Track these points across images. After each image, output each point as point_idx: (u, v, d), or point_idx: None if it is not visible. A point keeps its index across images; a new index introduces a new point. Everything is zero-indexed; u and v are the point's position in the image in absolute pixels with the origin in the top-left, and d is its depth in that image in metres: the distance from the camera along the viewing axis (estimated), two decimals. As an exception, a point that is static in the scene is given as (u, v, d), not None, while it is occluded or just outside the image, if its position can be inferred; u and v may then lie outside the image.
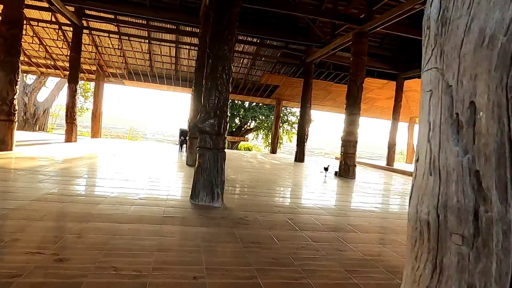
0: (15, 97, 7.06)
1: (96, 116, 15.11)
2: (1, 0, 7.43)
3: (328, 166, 8.99)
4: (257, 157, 13.89)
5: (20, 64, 7.18)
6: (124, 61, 15.06)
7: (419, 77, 13.30)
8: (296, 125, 24.60)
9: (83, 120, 24.02)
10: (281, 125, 19.48)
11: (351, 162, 8.57)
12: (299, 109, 13.59)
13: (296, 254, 2.57)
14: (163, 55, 14.67)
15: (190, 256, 2.30)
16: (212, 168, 3.82)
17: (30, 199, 3.41)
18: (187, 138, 11.06)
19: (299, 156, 12.69)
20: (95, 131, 15.17)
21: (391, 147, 13.85)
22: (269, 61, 15.00)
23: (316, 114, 20.67)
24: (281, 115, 19.24)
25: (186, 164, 7.79)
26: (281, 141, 24.35)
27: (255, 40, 13.07)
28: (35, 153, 7.32)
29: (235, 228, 3.09)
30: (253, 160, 11.74)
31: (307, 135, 12.88)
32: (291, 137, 25.50)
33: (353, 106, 8.51)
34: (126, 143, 14.81)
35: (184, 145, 11.66)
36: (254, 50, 13.89)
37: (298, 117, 13.70)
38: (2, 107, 6.92)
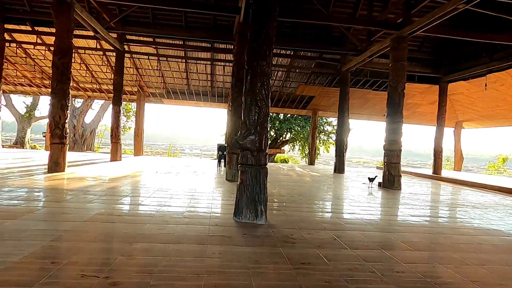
0: (66, 121, 7.54)
1: (138, 135, 15.78)
2: (53, 32, 8.02)
3: (376, 176, 8.59)
4: (295, 169, 13.71)
5: (70, 90, 7.67)
6: (162, 81, 15.68)
7: (465, 79, 12.57)
8: (333, 135, 24.15)
9: (126, 138, 25.22)
10: (317, 135, 19.18)
11: (396, 172, 8.18)
12: (336, 118, 13.33)
13: (350, 276, 2.42)
14: (199, 73, 15.09)
15: (239, 279, 2.24)
16: (254, 185, 3.77)
17: (83, 220, 3.55)
18: (225, 153, 11.20)
19: (339, 167, 12.35)
20: (138, 149, 15.81)
21: (438, 154, 13.09)
22: (304, 72, 14.92)
23: (353, 122, 20.14)
24: (317, 125, 18.94)
25: (226, 179, 7.83)
26: (318, 151, 23.95)
27: (288, 52, 13.09)
28: (84, 173, 7.72)
29: (282, 247, 3.00)
30: (292, 173, 11.59)
31: (346, 145, 12.54)
32: (328, 147, 25.01)
33: (395, 113, 8.16)
34: (166, 159, 15.26)
35: (223, 160, 11.78)
36: (288, 62, 13.89)
37: (335, 127, 13.40)
38: (55, 131, 7.40)
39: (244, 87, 3.94)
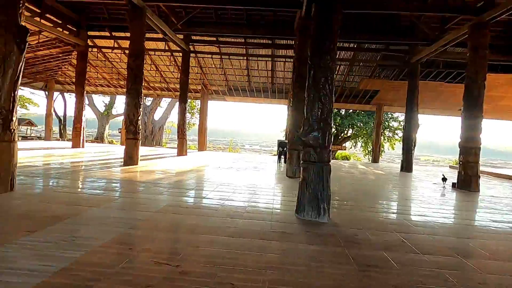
0: (139, 118, 8.16)
1: (202, 131, 16.50)
2: (128, 36, 8.72)
3: (444, 176, 7.93)
4: (357, 166, 13.20)
5: (142, 89, 8.28)
6: (225, 79, 16.16)
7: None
8: (399, 131, 22.75)
9: (190, 134, 26.54)
10: (382, 131, 18.21)
11: (473, 172, 7.42)
12: (403, 114, 12.51)
13: (422, 284, 2.26)
14: (260, 70, 15.25)
15: (301, 277, 2.23)
16: (317, 182, 3.71)
17: (154, 210, 3.81)
18: (285, 149, 11.20)
19: (406, 165, 11.60)
20: (201, 145, 16.55)
21: (525, 153, 11.58)
22: (368, 65, 14.25)
23: (422, 118, 18.67)
24: (382, 120, 17.91)
25: (286, 175, 7.83)
26: (382, 148, 22.74)
27: (351, 45, 12.59)
28: (154, 167, 8.30)
29: (346, 247, 2.91)
30: (354, 170, 11.18)
31: (414, 141, 11.72)
32: (394, 144, 23.63)
33: (473, 108, 7.40)
34: (227, 155, 15.75)
35: (283, 156, 11.80)
36: (351, 55, 13.37)
37: (403, 123, 12.57)
38: (129, 127, 8.07)
39: (307, 83, 3.89)
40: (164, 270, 2.17)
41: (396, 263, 2.60)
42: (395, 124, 23.41)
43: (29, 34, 4.33)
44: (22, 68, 4.27)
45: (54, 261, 2.21)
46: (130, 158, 8.03)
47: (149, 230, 3.07)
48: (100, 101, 27.27)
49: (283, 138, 16.28)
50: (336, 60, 3.88)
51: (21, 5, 4.22)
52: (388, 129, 23.38)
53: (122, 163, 8.22)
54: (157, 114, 24.88)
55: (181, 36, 11.94)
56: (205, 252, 2.57)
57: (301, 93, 7.28)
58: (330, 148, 3.79)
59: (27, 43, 4.28)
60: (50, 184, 5.43)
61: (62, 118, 23.87)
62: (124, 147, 8.35)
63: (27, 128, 22.58)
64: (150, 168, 8.01)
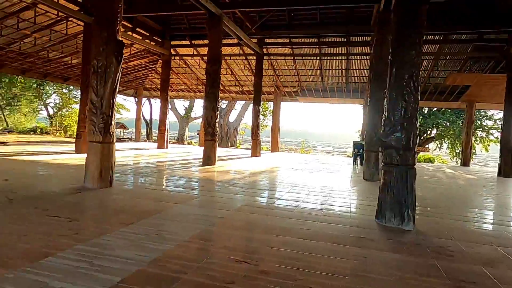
0: (216, 120, 8.57)
1: (274, 132, 16.67)
2: (206, 44, 9.23)
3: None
4: (444, 170, 12.00)
5: (219, 93, 8.68)
6: (297, 80, 16.10)
7: None
8: (494, 131, 20.13)
9: (262, 135, 27.01)
10: (473, 131, 16.20)
11: None
12: (500, 111, 11.01)
13: (534, 308, 1.94)
14: (334, 69, 14.85)
15: (385, 287, 2.09)
16: (400, 187, 3.45)
17: (232, 209, 3.95)
18: (361, 150, 10.71)
19: (505, 169, 10.18)
20: (274, 146, 16.72)
21: None
22: (456, 58, 12.88)
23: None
24: (474, 119, 15.95)
25: (363, 178, 7.47)
26: (473, 150, 20.32)
27: (437, 37, 11.51)
28: (229, 167, 8.63)
29: (436, 259, 2.65)
30: (440, 174, 10.19)
31: (515, 143, 10.21)
32: (488, 145, 20.98)
33: None
34: (299, 156, 15.65)
35: (358, 158, 11.30)
36: (436, 48, 12.23)
37: (500, 121, 11.06)
38: (208, 129, 8.52)
39: (388, 80, 3.65)
40: (244, 268, 2.23)
41: (500, 282, 2.29)
42: (490, 123, 20.76)
43: (124, 47, 4.85)
44: (119, 77, 4.80)
45: (146, 252, 2.43)
46: (209, 158, 8.47)
47: (228, 228, 3.19)
48: (181, 105, 29.41)
49: (358, 139, 15.61)
50: (421, 55, 3.57)
51: (118, 22, 4.75)
52: (481, 129, 20.82)
53: (201, 163, 8.72)
54: (232, 116, 25.90)
55: (255, 40, 12.23)
56: (283, 253, 2.57)
57: (378, 92, 6.89)
58: (415, 150, 3.51)
59: (123, 55, 4.79)
60: (141, 181, 6.00)
61: (148, 121, 26.36)
62: (202, 148, 8.85)
63: (120, 131, 25.34)
64: (226, 168, 8.35)
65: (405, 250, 2.83)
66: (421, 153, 22.23)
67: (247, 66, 15.63)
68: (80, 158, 8.13)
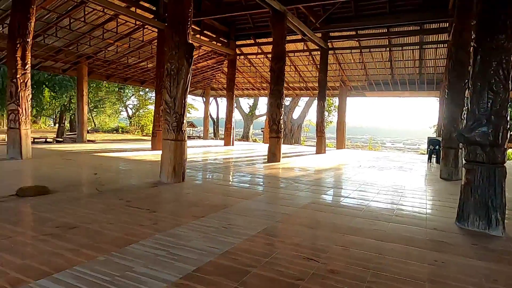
0: (281, 117, 8.60)
1: (340, 128, 16.18)
2: (270, 41, 9.30)
3: None
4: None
5: (284, 90, 8.69)
6: (365, 73, 15.39)
7: None
8: None
9: (327, 132, 26.37)
10: None
11: None
12: None
13: None
14: (405, 60, 13.88)
15: (473, 298, 1.90)
16: (486, 187, 3.11)
17: (298, 206, 3.94)
18: (437, 147, 9.85)
19: None
20: (340, 142, 16.24)
21: None
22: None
23: None
24: None
25: (440, 177, 6.87)
26: None
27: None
28: (294, 164, 8.60)
29: (533, 270, 2.33)
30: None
31: None
32: None
33: None
34: (367, 153, 14.97)
35: (434, 156, 10.44)
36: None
37: None
38: (272, 126, 8.60)
39: (471, 69, 3.30)
40: (312, 266, 2.21)
41: None
42: None
43: (194, 49, 5.12)
44: (190, 78, 5.07)
45: (217, 244, 2.54)
46: (273, 155, 8.54)
47: (294, 225, 3.19)
48: (246, 103, 30.04)
49: (434, 135, 14.40)
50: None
51: (189, 26, 5.03)
52: None
53: (266, 160, 8.83)
54: (296, 113, 25.74)
55: (319, 35, 11.98)
56: (352, 253, 2.48)
57: (458, 83, 6.29)
58: (505, 147, 3.12)
59: (193, 57, 5.06)
60: (210, 177, 6.29)
61: (215, 120, 27.51)
62: (267, 145, 8.96)
63: (190, 129, 26.86)
64: (290, 165, 8.34)
65: (494, 258, 2.54)
66: (510, 150, 19.70)
67: (311, 61, 15.39)
68: (155, 155, 8.80)
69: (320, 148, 12.60)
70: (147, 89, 27.87)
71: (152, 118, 12.26)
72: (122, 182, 5.19)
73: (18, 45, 6.86)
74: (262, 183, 5.77)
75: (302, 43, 13.67)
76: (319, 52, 12.85)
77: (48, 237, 2.55)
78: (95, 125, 31.21)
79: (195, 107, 32.06)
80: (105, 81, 19.46)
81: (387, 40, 12.66)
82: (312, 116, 41.69)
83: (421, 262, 2.37)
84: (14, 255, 2.20)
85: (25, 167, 6.31)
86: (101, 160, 7.87)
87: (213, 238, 2.68)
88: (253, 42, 14.23)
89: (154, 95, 13.34)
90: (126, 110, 34.32)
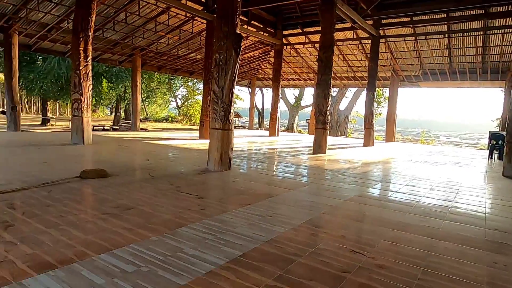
0: (328, 108, 8.42)
1: (390, 120, 15.47)
2: (318, 30, 9.08)
3: None
4: None
5: (331, 80, 8.48)
6: (419, 62, 14.48)
7: None
8: None
9: (375, 124, 25.33)
10: None
11: None
12: None
13: None
14: (466, 47, 12.80)
15: (538, 305, 1.75)
16: (559, 187, 2.81)
17: (344, 199, 3.86)
18: (500, 142, 9.04)
19: None
20: (389, 135, 15.54)
21: None
22: None
23: None
24: None
25: (503, 175, 6.32)
26: None
27: None
28: (340, 156, 8.40)
29: None
30: None
31: None
32: None
33: None
34: (419, 147, 14.17)
35: (496, 151, 9.61)
36: None
37: None
38: (319, 117, 8.45)
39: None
40: (359, 259, 2.16)
41: None
42: None
43: (242, 39, 5.16)
44: (237, 69, 5.14)
45: (262, 232, 2.58)
46: (319, 147, 8.42)
47: (339, 217, 3.14)
48: (291, 94, 29.78)
49: (496, 129, 13.24)
50: None
51: (237, 17, 5.07)
52: None
53: (311, 151, 8.72)
54: (342, 104, 25.02)
55: (370, 22, 11.44)
56: (402, 249, 2.39)
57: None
58: None
59: (241, 48, 5.11)
60: (255, 166, 6.36)
61: (260, 110, 27.65)
62: (312, 136, 8.84)
63: (236, 120, 27.31)
64: (336, 157, 8.16)
65: None
66: None
67: (361, 50, 14.79)
68: (202, 144, 9.09)
69: (368, 140, 12.16)
70: (195, 80, 28.74)
71: (200, 108, 12.63)
72: (172, 169, 5.44)
73: (81, 39, 7.39)
74: (306, 174, 5.73)
75: (352, 31, 13.16)
76: (369, 41, 12.30)
77: (107, 216, 2.76)
78: (146, 114, 32.90)
79: (241, 97, 32.43)
80: (156, 72, 20.35)
81: (446, 26, 11.75)
82: (360, 107, 40.24)
83: (479, 263, 2.22)
84: (79, 231, 2.41)
85: (86, 152, 6.85)
86: (153, 147, 8.30)
87: (258, 225, 2.73)
88: (300, 31, 13.96)
89: (202, 85, 13.74)
90: (176, 100, 35.74)
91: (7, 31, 10.18)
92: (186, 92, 33.46)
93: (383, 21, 11.89)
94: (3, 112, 13.48)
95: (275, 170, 5.96)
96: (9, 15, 9.81)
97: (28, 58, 17.17)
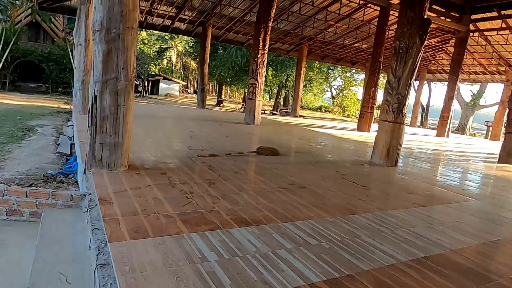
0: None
1: None
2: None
3: None
4: None
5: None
6: None
7: None
8: None
9: None
10: None
11: None
12: None
13: None
14: None
15: None
16: None
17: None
18: None
19: None
20: None
21: None
22: None
23: None
24: None
25: None
26: None
27: None
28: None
29: None
30: None
31: None
32: None
33: None
34: None
35: None
36: None
37: None
38: (513, 120, 6.90)
39: None
40: None
41: None
42: None
43: (430, 25, 4.65)
44: (420, 58, 4.68)
45: (445, 238, 2.31)
46: (508, 155, 6.91)
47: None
48: (467, 90, 25.37)
49: None
50: None
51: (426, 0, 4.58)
52: None
53: (495, 160, 7.26)
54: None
55: None
56: None
57: None
58: None
59: (427, 34, 4.61)
60: (422, 166, 5.76)
61: (425, 106, 24.61)
62: (491, 142, 7.31)
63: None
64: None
65: None
66: None
67: None
68: (361, 136, 8.79)
69: None
70: (353, 70, 27.83)
71: (355, 99, 12.21)
72: (333, 156, 5.50)
73: (261, 30, 8.19)
74: (490, 185, 4.82)
75: None
76: None
77: (284, 191, 3.02)
78: (302, 102, 34.14)
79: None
80: (318, 62, 20.72)
81: None
82: None
83: None
84: (264, 198, 2.73)
85: (257, 131, 7.66)
86: (313, 134, 8.58)
87: (439, 231, 2.47)
88: (496, 14, 11.54)
89: (360, 76, 13.11)
90: (331, 90, 35.66)
91: (204, 25, 12.24)
92: (343, 83, 32.89)
93: None
94: (195, 92, 16.47)
95: (450, 174, 5.23)
96: (208, 11, 11.74)
97: (212, 48, 20.29)
